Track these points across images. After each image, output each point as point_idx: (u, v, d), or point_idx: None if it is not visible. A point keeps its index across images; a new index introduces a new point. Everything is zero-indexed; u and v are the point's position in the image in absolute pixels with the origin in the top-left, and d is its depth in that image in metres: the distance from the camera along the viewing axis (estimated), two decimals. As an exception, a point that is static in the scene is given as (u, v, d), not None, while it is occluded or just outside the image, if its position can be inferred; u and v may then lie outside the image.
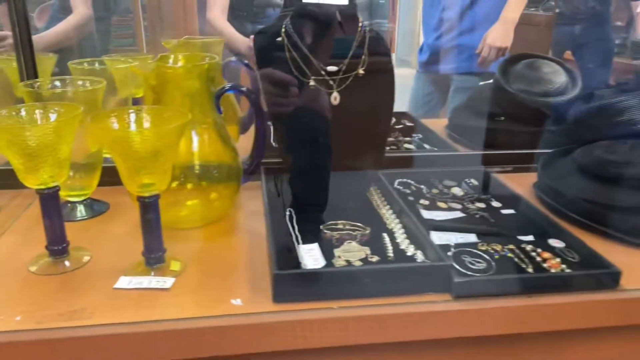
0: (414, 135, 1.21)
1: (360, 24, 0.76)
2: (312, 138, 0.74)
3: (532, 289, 0.58)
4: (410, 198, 0.83)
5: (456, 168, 0.95)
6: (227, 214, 0.78)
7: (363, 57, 0.76)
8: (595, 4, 1.86)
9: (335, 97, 0.74)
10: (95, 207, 0.80)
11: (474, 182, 0.91)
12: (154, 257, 0.62)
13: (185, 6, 1.77)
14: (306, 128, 0.73)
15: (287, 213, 0.75)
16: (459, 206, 0.81)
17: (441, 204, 0.81)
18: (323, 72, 0.74)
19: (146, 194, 0.58)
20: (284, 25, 0.75)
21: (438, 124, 1.28)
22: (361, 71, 0.75)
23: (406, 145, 1.13)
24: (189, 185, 0.74)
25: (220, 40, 0.97)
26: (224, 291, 0.58)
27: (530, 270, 0.62)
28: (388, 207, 0.78)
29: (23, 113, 0.61)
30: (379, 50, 0.77)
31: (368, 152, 0.79)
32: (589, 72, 1.85)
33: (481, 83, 1.25)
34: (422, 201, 0.82)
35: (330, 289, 0.56)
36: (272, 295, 0.56)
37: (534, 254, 0.66)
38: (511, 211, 0.79)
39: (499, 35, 1.40)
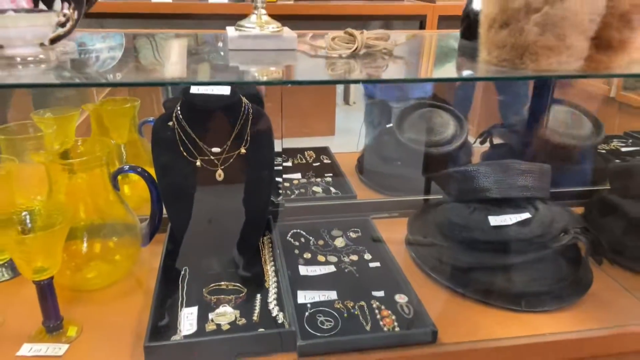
0: (326, 175, 1.34)
1: (243, 107, 0.88)
2: (198, 209, 0.86)
3: (364, 347, 0.72)
4: (296, 251, 0.96)
5: (345, 217, 1.08)
6: (131, 272, 0.90)
7: (246, 137, 0.87)
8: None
9: (219, 174, 0.86)
10: (15, 268, 0.90)
11: (358, 232, 1.04)
12: (52, 326, 0.73)
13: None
14: (192, 202, 0.86)
15: (182, 272, 0.88)
16: (335, 259, 0.94)
17: (320, 258, 0.94)
18: (209, 153, 0.86)
19: (41, 278, 0.70)
20: (174, 112, 0.86)
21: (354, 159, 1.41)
22: (243, 150, 0.87)
23: (314, 188, 1.25)
24: (95, 246, 0.85)
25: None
26: (109, 358, 0.70)
27: (367, 328, 0.75)
28: (272, 263, 0.90)
29: None
30: (261, 129, 0.89)
31: (252, 220, 0.91)
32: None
33: (387, 125, 1.38)
34: (305, 255, 0.95)
35: (195, 354, 0.69)
36: (145, 361, 0.68)
37: (377, 311, 0.79)
38: (377, 264, 0.93)
39: None
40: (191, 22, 1.85)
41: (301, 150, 1.50)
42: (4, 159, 0.89)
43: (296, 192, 1.23)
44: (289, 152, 1.47)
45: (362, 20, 1.94)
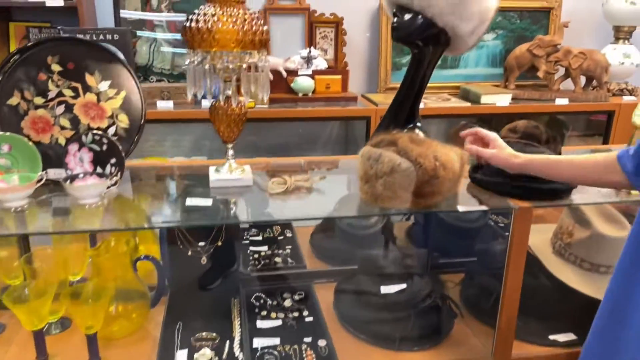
0: (287, 247, 1.78)
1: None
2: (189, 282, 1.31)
3: (292, 374, 1.15)
4: (256, 310, 1.40)
5: (295, 283, 1.52)
6: (143, 326, 1.33)
7: (221, 234, 1.33)
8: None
9: (203, 260, 1.31)
10: (66, 324, 1.33)
11: (302, 295, 1.48)
12: (95, 363, 1.16)
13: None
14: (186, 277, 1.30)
15: (177, 325, 1.31)
16: (282, 315, 1.37)
17: (272, 315, 1.38)
18: (197, 246, 1.31)
19: (90, 333, 1.13)
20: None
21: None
22: (219, 243, 1.32)
23: (276, 259, 1.69)
24: (119, 308, 1.28)
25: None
26: (131, 382, 1.13)
27: (295, 363, 1.19)
28: (238, 319, 1.34)
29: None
30: (231, 229, 1.34)
31: (223, 289, 1.35)
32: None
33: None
34: (262, 312, 1.39)
35: (184, 379, 1.12)
36: (154, 384, 1.11)
37: (304, 352, 1.22)
38: (311, 319, 1.36)
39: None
40: (188, 125, 2.34)
41: (270, 225, 1.95)
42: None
43: (262, 262, 1.67)
44: (259, 227, 1.92)
45: (322, 120, 2.44)
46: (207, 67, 1.09)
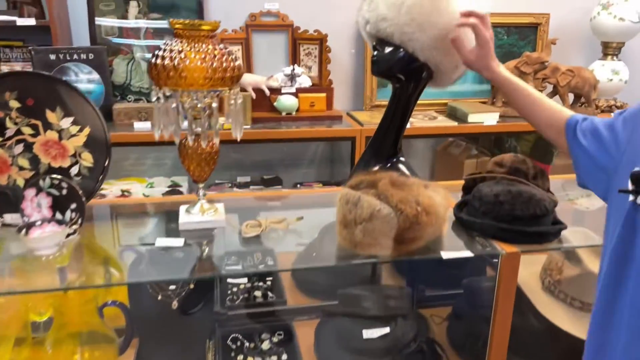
0: (267, 278, 1.71)
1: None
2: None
3: None
4: (232, 354, 1.32)
5: (275, 321, 1.45)
6: (111, 374, 1.25)
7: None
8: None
9: (174, 304, 1.24)
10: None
11: (281, 335, 1.41)
12: (56, 421, 1.08)
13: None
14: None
15: (148, 373, 1.24)
16: (260, 360, 1.31)
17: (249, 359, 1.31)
18: (167, 290, 1.24)
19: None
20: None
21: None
22: (192, 285, 1.25)
23: (256, 293, 1.62)
24: (85, 356, 1.21)
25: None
26: None
27: (272, 417, 1.12)
28: (213, 365, 1.27)
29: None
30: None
31: (194, 333, 1.28)
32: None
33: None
34: (238, 357, 1.31)
35: None
36: None
37: (282, 403, 1.16)
38: (289, 364, 1.30)
39: None
40: (162, 147, 2.27)
41: (250, 253, 1.87)
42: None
43: (240, 297, 1.60)
44: (240, 254, 1.85)
45: (306, 141, 2.38)
46: (174, 105, 1.03)
